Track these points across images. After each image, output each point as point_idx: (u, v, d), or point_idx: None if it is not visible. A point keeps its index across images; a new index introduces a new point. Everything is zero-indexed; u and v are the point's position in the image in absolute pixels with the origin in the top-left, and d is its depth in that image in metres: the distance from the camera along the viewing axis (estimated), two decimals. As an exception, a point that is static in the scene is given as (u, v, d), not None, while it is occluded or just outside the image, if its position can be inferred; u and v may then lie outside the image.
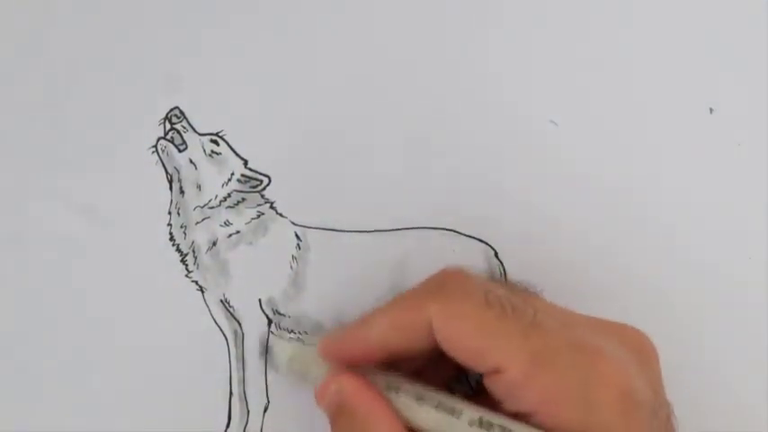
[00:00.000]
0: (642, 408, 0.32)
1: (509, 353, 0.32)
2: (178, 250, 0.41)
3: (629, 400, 0.32)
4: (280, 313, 0.41)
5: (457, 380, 0.38)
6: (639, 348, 0.34)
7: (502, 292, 0.34)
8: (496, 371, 0.32)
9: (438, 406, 0.33)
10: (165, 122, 0.42)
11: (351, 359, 0.35)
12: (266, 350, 0.40)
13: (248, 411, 0.40)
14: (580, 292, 0.41)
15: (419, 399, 0.34)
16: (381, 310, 0.35)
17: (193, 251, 0.41)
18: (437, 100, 0.43)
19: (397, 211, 0.42)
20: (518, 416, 0.32)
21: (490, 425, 0.33)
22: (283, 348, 0.39)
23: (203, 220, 0.41)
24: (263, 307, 0.41)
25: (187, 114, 0.42)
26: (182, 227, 0.41)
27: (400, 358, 0.35)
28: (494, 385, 0.33)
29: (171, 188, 0.41)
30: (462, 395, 0.35)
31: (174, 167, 0.41)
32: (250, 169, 0.42)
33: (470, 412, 0.33)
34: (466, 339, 0.33)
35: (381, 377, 0.35)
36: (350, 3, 0.43)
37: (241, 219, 0.41)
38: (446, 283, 0.35)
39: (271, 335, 0.40)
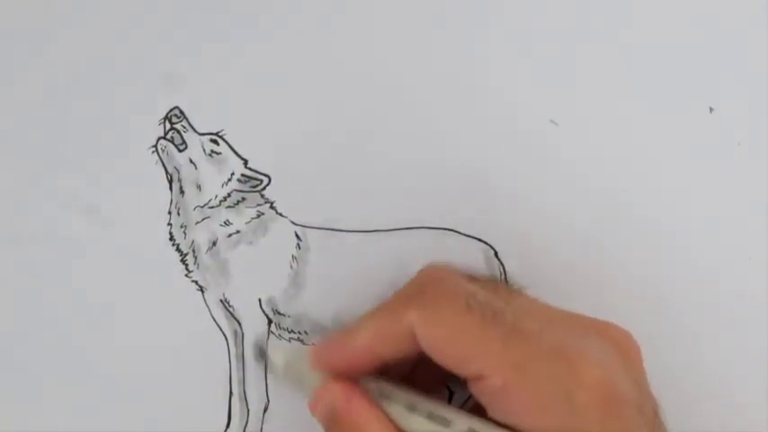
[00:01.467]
0: (626, 406, 0.32)
1: (490, 361, 0.32)
2: (178, 250, 0.41)
3: (612, 401, 0.32)
4: (280, 313, 0.41)
5: (455, 379, 0.38)
6: (622, 346, 0.34)
7: (483, 295, 0.34)
8: (479, 377, 0.32)
9: (429, 416, 0.34)
10: (164, 122, 0.42)
11: (341, 368, 0.35)
12: (262, 354, 0.40)
13: (248, 411, 0.40)
14: (579, 291, 0.41)
15: (411, 408, 0.34)
16: (366, 317, 0.35)
17: (193, 251, 0.41)
18: (437, 100, 0.43)
19: (397, 211, 0.42)
20: (505, 425, 0.32)
21: None
22: (279, 355, 0.38)
23: (203, 219, 0.41)
24: (263, 307, 0.41)
25: (187, 114, 0.42)
26: (182, 227, 0.41)
27: (393, 362, 0.35)
28: (478, 391, 0.33)
29: (171, 188, 0.41)
30: (460, 400, 0.35)
31: (174, 167, 0.41)
32: (250, 169, 0.42)
33: (460, 423, 0.33)
34: (447, 346, 0.33)
35: (374, 384, 0.35)
36: (350, 2, 0.43)
37: (241, 218, 0.41)
38: (427, 287, 0.35)
39: (270, 339, 0.40)
